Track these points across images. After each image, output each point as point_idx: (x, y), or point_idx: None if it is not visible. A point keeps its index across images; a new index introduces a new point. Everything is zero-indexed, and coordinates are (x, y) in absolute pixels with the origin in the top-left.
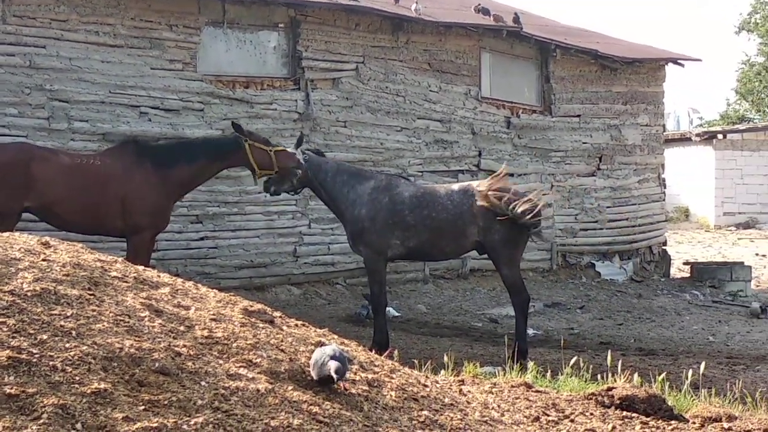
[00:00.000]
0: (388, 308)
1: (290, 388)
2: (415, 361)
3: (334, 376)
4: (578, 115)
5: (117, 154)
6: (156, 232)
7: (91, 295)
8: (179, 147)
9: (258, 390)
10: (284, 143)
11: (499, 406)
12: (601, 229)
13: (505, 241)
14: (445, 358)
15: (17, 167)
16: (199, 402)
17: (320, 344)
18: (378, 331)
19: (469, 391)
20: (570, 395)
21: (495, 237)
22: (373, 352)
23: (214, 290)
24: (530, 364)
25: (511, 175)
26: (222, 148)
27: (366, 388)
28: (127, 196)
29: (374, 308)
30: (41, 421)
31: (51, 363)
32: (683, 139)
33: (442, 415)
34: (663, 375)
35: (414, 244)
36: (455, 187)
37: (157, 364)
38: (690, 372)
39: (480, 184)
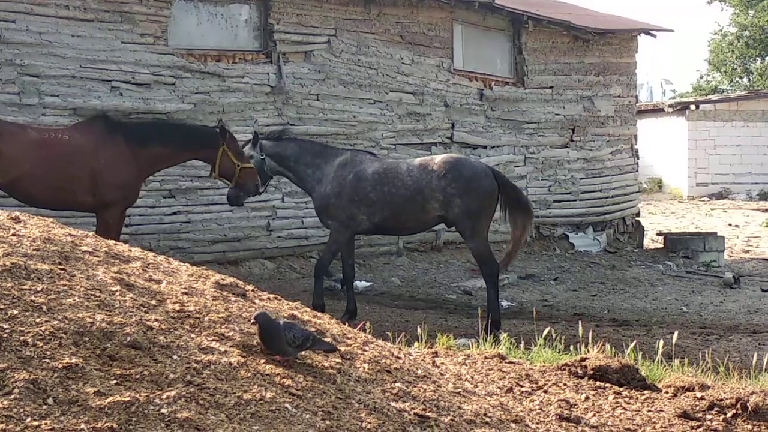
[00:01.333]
0: (355, 282)
1: (262, 361)
2: (389, 334)
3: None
4: (551, 87)
5: (87, 129)
6: (125, 206)
7: (61, 269)
8: (154, 127)
9: (230, 363)
10: (257, 117)
11: (472, 378)
12: (575, 200)
13: (467, 215)
14: (419, 331)
15: None
16: (171, 376)
17: (293, 317)
18: (316, 296)
19: (442, 363)
20: (543, 366)
21: (456, 211)
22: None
23: (186, 264)
24: (504, 336)
25: (484, 147)
26: (198, 140)
27: (339, 360)
28: (97, 170)
29: (317, 272)
30: (12, 396)
31: (22, 338)
32: (656, 110)
33: (415, 386)
34: (633, 344)
35: (378, 220)
36: (415, 162)
37: (128, 339)
38: (662, 342)
39: None
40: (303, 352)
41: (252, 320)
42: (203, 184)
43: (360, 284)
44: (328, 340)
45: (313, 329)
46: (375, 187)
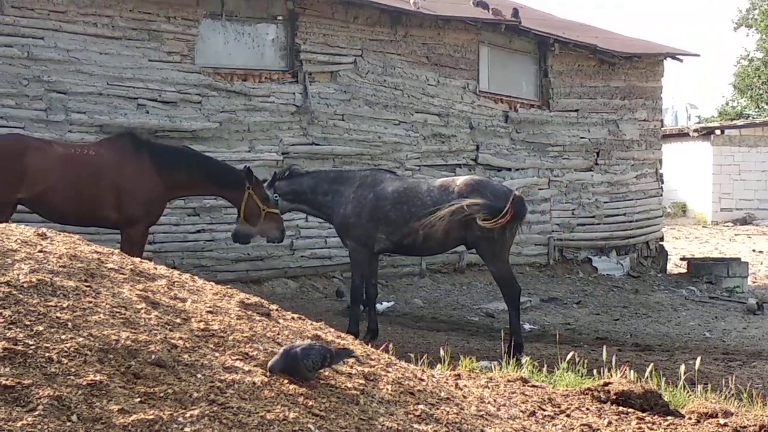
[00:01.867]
0: (378, 304)
1: (286, 381)
2: (412, 355)
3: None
4: (576, 110)
5: (113, 146)
6: (149, 223)
7: (87, 286)
8: (184, 153)
9: (254, 383)
10: (282, 136)
11: (495, 401)
12: (599, 224)
13: (487, 238)
14: (442, 353)
15: (11, 158)
16: (195, 394)
17: (317, 337)
18: (351, 322)
19: (465, 386)
20: (566, 390)
21: (476, 234)
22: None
23: (211, 283)
24: (526, 359)
25: (509, 169)
26: (224, 177)
27: (362, 381)
28: (122, 186)
29: (352, 299)
30: (37, 412)
31: (47, 354)
32: (681, 135)
33: (438, 409)
34: (650, 368)
35: (397, 239)
36: (436, 183)
37: (153, 357)
38: (685, 367)
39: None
40: (327, 372)
41: (268, 371)
42: (227, 203)
43: (380, 306)
44: (351, 360)
45: (342, 346)
46: (395, 205)
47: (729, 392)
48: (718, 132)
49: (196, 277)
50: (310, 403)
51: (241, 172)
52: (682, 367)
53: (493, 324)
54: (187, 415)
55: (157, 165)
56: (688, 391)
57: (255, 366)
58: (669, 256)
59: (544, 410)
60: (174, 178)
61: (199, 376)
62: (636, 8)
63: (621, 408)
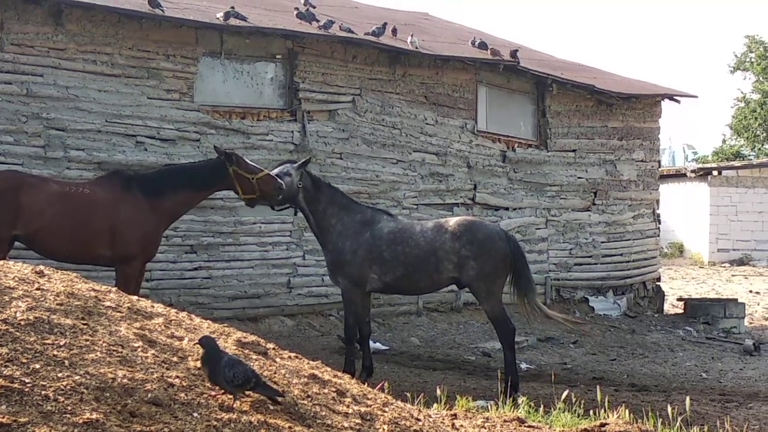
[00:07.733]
0: (374, 343)
1: (283, 420)
2: (408, 395)
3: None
4: (574, 150)
5: (106, 183)
6: (145, 260)
7: (84, 324)
8: (166, 175)
9: (250, 422)
10: None
11: None
12: (596, 264)
13: (481, 277)
14: (438, 392)
15: (6, 195)
16: None
17: (313, 376)
18: (348, 361)
19: (461, 426)
20: (562, 430)
21: (470, 273)
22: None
23: (208, 321)
24: (522, 399)
25: (506, 209)
26: (208, 176)
27: (358, 421)
28: (116, 225)
29: (347, 338)
30: None
31: (43, 392)
32: (678, 175)
33: None
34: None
35: (390, 279)
36: (429, 224)
37: (149, 395)
38: (680, 408)
39: None
40: (323, 412)
41: (196, 342)
42: (225, 240)
43: (373, 345)
44: (348, 400)
45: (339, 386)
46: (389, 246)
47: None
48: (715, 173)
49: (193, 316)
50: None
51: (217, 162)
52: (671, 408)
53: (489, 363)
54: None
55: (148, 198)
56: None
57: (251, 405)
58: (666, 297)
59: None
60: (167, 205)
61: (195, 415)
62: (634, 49)
63: None
